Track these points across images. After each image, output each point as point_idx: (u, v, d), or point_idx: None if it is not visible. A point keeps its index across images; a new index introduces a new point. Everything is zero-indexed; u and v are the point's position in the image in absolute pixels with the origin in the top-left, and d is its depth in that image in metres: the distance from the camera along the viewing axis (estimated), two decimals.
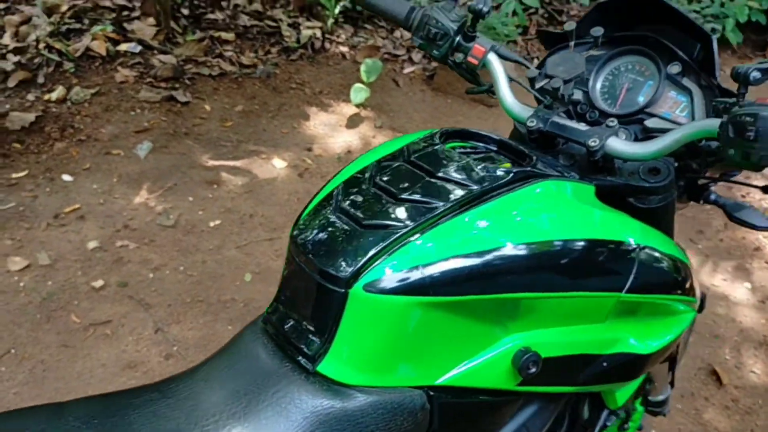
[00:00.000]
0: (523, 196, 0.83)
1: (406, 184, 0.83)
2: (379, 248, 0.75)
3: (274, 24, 4.25)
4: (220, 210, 2.83)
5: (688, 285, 1.01)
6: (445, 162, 0.86)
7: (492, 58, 1.06)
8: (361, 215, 0.79)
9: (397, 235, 0.75)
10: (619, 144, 0.91)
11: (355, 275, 0.74)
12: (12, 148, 2.90)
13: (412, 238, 0.75)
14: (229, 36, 4.06)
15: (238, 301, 2.38)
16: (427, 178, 0.83)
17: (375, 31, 4.61)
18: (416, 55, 4.44)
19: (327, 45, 4.26)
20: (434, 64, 4.28)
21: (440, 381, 0.80)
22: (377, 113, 3.80)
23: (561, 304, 0.84)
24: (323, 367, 0.77)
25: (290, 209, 2.90)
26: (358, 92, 3.70)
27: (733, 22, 4.79)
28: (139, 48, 3.72)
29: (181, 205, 2.81)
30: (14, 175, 2.78)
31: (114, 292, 2.33)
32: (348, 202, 0.83)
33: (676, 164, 0.98)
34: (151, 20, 3.92)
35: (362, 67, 3.76)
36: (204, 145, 3.24)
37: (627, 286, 0.86)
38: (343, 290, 0.74)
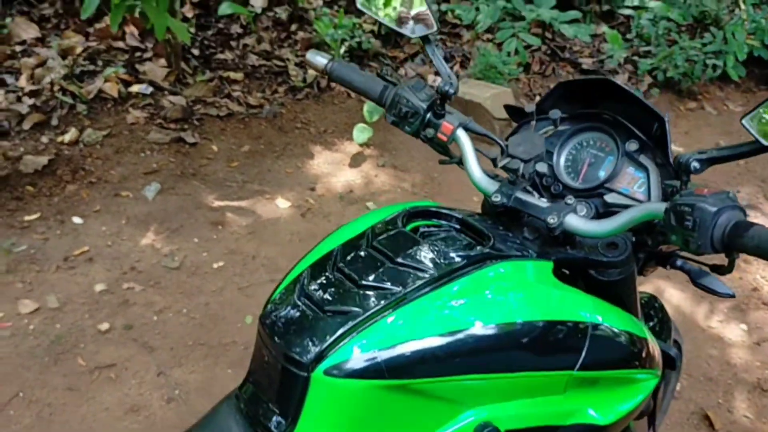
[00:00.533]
0: (479, 279, 0.89)
1: (367, 270, 0.89)
2: (339, 333, 0.81)
3: (281, 63, 4.37)
4: (224, 251, 2.91)
5: (644, 356, 1.05)
6: (405, 246, 0.92)
7: (460, 133, 1.12)
8: (324, 300, 0.86)
9: (357, 320, 0.82)
10: (576, 221, 0.96)
11: (317, 360, 0.80)
12: (25, 191, 3.01)
13: (370, 324, 0.82)
14: (238, 76, 4.18)
15: (239, 344, 2.45)
16: (388, 264, 0.89)
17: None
18: None
19: (332, 84, 4.37)
20: None
21: None
22: (380, 152, 3.88)
23: (518, 381, 0.90)
24: None
25: (292, 250, 2.98)
26: (361, 132, 3.80)
27: (734, 58, 4.86)
28: (150, 89, 3.84)
29: (186, 247, 2.89)
30: (26, 218, 2.89)
31: (119, 335, 2.41)
32: (312, 286, 0.89)
33: (633, 239, 1.03)
34: (163, 61, 4.05)
35: (365, 107, 3.86)
36: (210, 185, 3.34)
37: (579, 364, 0.91)
38: (305, 374, 0.80)
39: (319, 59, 1.22)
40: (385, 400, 0.83)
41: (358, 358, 0.79)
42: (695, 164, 0.95)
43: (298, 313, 0.86)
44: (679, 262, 1.14)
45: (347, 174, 3.66)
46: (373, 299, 0.84)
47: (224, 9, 4.31)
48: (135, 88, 3.82)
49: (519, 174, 1.06)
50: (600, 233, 0.94)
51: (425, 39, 1.16)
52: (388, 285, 0.86)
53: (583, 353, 0.91)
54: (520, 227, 1.06)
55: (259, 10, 4.58)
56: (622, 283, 1.04)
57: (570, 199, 1.08)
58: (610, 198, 1.09)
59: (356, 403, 0.82)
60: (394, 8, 1.18)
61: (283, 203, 3.31)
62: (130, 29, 4.29)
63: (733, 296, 1.16)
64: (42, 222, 2.89)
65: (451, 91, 1.10)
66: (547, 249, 1.01)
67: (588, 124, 1.15)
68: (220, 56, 4.30)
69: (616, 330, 0.99)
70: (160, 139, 3.54)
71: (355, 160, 3.78)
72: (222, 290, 2.70)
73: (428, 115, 1.13)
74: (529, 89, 4.83)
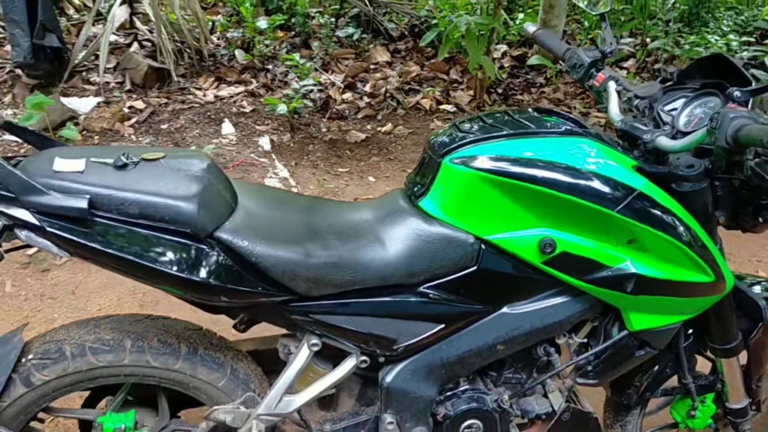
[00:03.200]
0: (569, 141, 1.34)
1: (501, 122, 1.40)
2: (465, 141, 1.34)
3: (566, 110, 4.97)
4: None
5: (696, 251, 1.32)
6: (529, 116, 1.42)
7: (610, 84, 1.56)
8: (466, 129, 1.39)
9: (478, 137, 1.35)
10: (662, 140, 1.32)
11: (447, 152, 1.34)
12: (344, 153, 4.12)
13: (486, 141, 1.33)
14: None
15: None
16: (513, 118, 1.39)
17: None
18: None
19: None
20: None
21: (489, 237, 1.32)
22: None
23: (576, 206, 1.27)
24: (421, 203, 1.38)
25: None
26: None
27: None
28: (454, 109, 4.79)
29: None
30: (339, 170, 3.96)
31: None
32: (465, 124, 1.44)
33: (709, 165, 1.33)
34: (471, 92, 4.99)
35: None
36: None
37: (619, 207, 1.27)
38: (439, 160, 1.37)
39: (530, 27, 1.82)
40: (482, 188, 1.30)
41: (471, 156, 1.31)
42: (736, 93, 1.31)
43: (450, 131, 1.44)
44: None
45: None
46: (492, 131, 1.37)
47: (533, 60, 5.11)
48: (443, 107, 4.80)
49: (641, 109, 1.47)
50: (675, 148, 1.29)
51: (602, 16, 1.67)
52: (505, 130, 1.36)
53: (625, 202, 1.26)
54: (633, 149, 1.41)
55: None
56: (692, 195, 1.34)
57: (666, 127, 1.41)
58: None
59: (467, 185, 1.30)
60: None
61: None
62: (455, 67, 5.35)
63: None
64: (348, 174, 3.93)
65: (609, 51, 1.59)
66: (644, 163, 1.35)
67: (704, 90, 1.44)
68: (519, 97, 5.08)
69: (661, 205, 1.29)
70: None
71: None
72: None
73: (591, 69, 1.61)
74: None
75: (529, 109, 1.48)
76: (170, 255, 1.18)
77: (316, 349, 1.36)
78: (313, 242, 1.28)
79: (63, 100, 4.22)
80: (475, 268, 1.32)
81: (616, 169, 1.31)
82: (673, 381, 1.70)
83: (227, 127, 4.24)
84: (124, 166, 1.21)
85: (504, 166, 1.29)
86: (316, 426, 1.44)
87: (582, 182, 1.28)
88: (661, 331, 1.44)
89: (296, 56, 4.56)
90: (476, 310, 1.37)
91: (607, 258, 1.33)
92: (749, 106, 1.28)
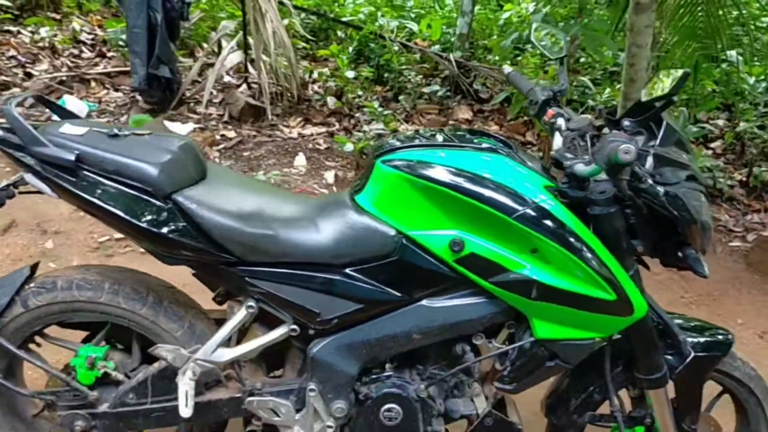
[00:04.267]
0: (485, 156, 1.51)
1: (430, 136, 1.61)
2: (395, 147, 1.56)
3: None
4: None
5: (585, 255, 1.43)
6: (462, 137, 1.60)
7: (558, 120, 1.67)
8: (401, 139, 1.62)
9: (408, 143, 1.57)
10: (577, 167, 1.43)
11: (380, 155, 1.55)
12: None
13: (414, 148, 1.53)
14: None
15: None
16: (443, 138, 1.59)
17: None
18: None
19: None
20: None
21: (410, 233, 1.49)
22: None
23: (485, 219, 1.43)
24: (357, 198, 1.57)
25: None
26: None
27: None
28: None
29: None
30: None
31: None
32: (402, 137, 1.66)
33: (617, 190, 1.45)
34: (540, 153, 5.11)
35: None
36: None
37: (515, 215, 1.42)
38: (374, 160, 1.57)
39: (506, 69, 2.01)
40: (405, 188, 1.48)
41: (399, 159, 1.51)
42: (626, 123, 1.49)
43: (389, 139, 1.65)
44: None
45: None
46: (422, 141, 1.58)
47: None
48: None
49: (573, 141, 1.62)
50: (583, 173, 1.41)
51: (560, 60, 1.82)
52: (433, 141, 1.58)
53: (522, 211, 1.42)
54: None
55: None
56: (602, 219, 1.46)
57: (586, 157, 1.50)
58: None
59: (392, 182, 1.51)
60: (545, 44, 1.88)
61: None
62: (533, 129, 5.51)
63: (706, 276, 1.52)
64: None
65: (559, 90, 1.74)
66: (567, 188, 1.48)
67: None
68: None
69: (558, 220, 1.42)
70: None
71: None
72: None
73: (545, 107, 1.74)
74: None
75: (464, 129, 1.67)
76: (134, 208, 1.47)
77: (252, 311, 1.58)
78: (255, 217, 1.53)
79: (166, 123, 4.81)
80: (395, 258, 1.50)
81: (519, 183, 1.47)
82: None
83: (300, 160, 4.63)
84: (116, 136, 1.53)
85: (422, 169, 1.49)
86: (250, 383, 1.65)
87: (485, 189, 1.45)
88: (569, 344, 1.53)
89: (375, 104, 4.92)
90: (396, 298, 1.54)
91: (510, 263, 1.47)
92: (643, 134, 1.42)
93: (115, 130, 1.54)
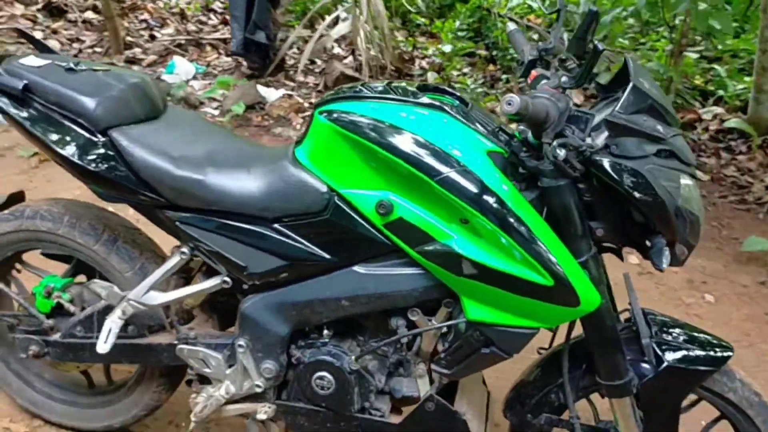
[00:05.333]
0: (424, 112, 1.35)
1: (375, 89, 1.43)
2: (336, 96, 1.43)
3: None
4: None
5: (515, 230, 1.26)
6: (407, 91, 1.43)
7: (542, 82, 1.41)
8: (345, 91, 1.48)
9: (347, 94, 1.43)
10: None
11: (320, 104, 1.44)
12: None
13: (352, 101, 1.39)
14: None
15: None
16: (386, 89, 1.43)
17: None
18: None
19: None
20: None
21: (341, 191, 1.37)
22: None
23: (413, 182, 1.29)
24: (296, 150, 1.46)
25: None
26: None
27: None
28: None
29: None
30: None
31: None
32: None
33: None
34: None
35: None
36: None
37: (437, 179, 1.27)
38: (313, 111, 1.45)
39: (510, 26, 1.78)
40: (338, 142, 1.36)
41: (334, 111, 1.39)
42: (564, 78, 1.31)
43: (334, 91, 1.50)
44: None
45: None
46: (362, 93, 1.43)
47: (730, 123, 4.64)
48: None
49: None
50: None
51: (558, 12, 1.56)
52: (372, 94, 1.41)
53: (446, 174, 1.27)
54: None
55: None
56: (550, 192, 1.27)
57: None
58: None
59: (326, 135, 1.40)
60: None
61: None
62: None
63: (661, 270, 1.29)
64: None
65: (543, 49, 1.46)
66: (524, 155, 1.29)
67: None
68: (704, 159, 4.60)
69: (488, 187, 1.25)
70: None
71: None
72: None
73: (530, 68, 1.49)
74: None
75: (411, 83, 1.51)
76: (68, 141, 1.48)
77: (185, 257, 1.55)
78: (188, 160, 1.48)
79: (259, 88, 4.94)
80: (325, 217, 1.40)
81: (451, 143, 1.31)
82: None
83: None
84: (71, 69, 1.54)
85: (351, 122, 1.36)
86: (184, 332, 1.62)
87: (409, 146, 1.31)
88: (505, 331, 1.35)
89: (469, 81, 4.73)
90: (325, 260, 1.43)
91: (437, 232, 1.31)
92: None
93: (72, 65, 1.56)
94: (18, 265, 1.86)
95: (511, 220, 1.26)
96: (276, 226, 1.45)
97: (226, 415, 1.64)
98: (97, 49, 5.94)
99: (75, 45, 6.03)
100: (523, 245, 1.26)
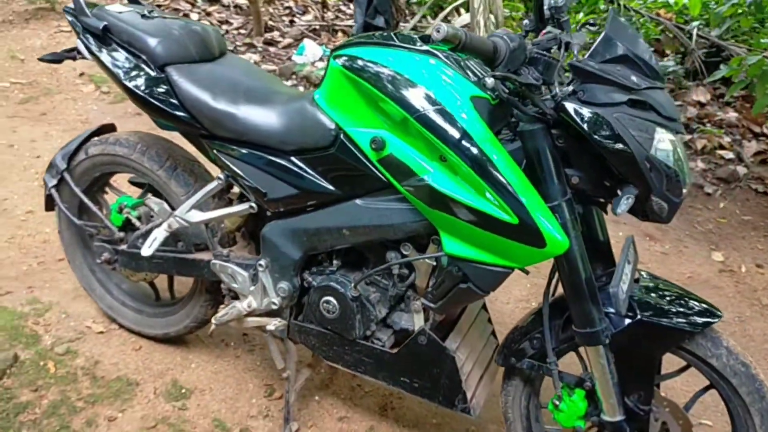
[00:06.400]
0: (419, 56, 1.45)
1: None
2: (349, 43, 1.56)
3: None
4: None
5: (484, 168, 1.33)
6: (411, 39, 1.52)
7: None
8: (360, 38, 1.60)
9: (354, 41, 1.56)
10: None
11: (336, 49, 1.57)
12: None
13: (359, 47, 1.51)
14: None
15: None
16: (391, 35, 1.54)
17: None
18: None
19: None
20: None
21: (345, 128, 1.49)
22: None
23: (398, 118, 1.40)
24: (315, 92, 1.59)
25: None
26: None
27: None
28: (731, 156, 4.25)
29: None
30: None
31: None
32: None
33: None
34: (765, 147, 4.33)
35: None
36: None
37: (415, 115, 1.37)
38: (330, 56, 1.59)
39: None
40: (343, 83, 1.49)
41: (342, 56, 1.51)
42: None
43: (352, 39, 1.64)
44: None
45: None
46: (370, 40, 1.54)
47: None
48: (721, 152, 4.30)
49: None
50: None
51: None
52: (379, 41, 1.52)
53: (423, 111, 1.36)
54: None
55: None
56: (524, 135, 1.35)
57: None
58: None
59: (335, 77, 1.51)
60: None
61: None
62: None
63: (616, 214, 1.32)
64: None
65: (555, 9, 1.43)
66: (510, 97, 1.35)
67: None
68: None
69: (462, 127, 1.33)
70: None
71: None
72: None
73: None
74: None
75: (423, 34, 1.59)
76: (135, 75, 1.76)
77: (220, 183, 1.77)
78: (226, 96, 1.70)
79: None
80: (332, 151, 1.56)
81: (436, 85, 1.40)
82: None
83: None
84: (145, 16, 1.82)
85: (353, 63, 1.50)
86: (220, 250, 1.85)
87: (395, 85, 1.43)
88: (479, 267, 1.43)
89: None
90: (330, 191, 1.59)
91: (418, 167, 1.42)
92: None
93: (146, 12, 1.83)
94: (107, 189, 2.19)
95: (482, 158, 1.34)
96: (293, 158, 1.62)
97: (246, 326, 1.85)
98: (242, 31, 6.49)
99: (224, 27, 6.63)
100: (490, 183, 1.33)
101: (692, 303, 1.46)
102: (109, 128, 2.11)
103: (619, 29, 1.33)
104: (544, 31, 1.51)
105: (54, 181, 2.07)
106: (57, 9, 5.61)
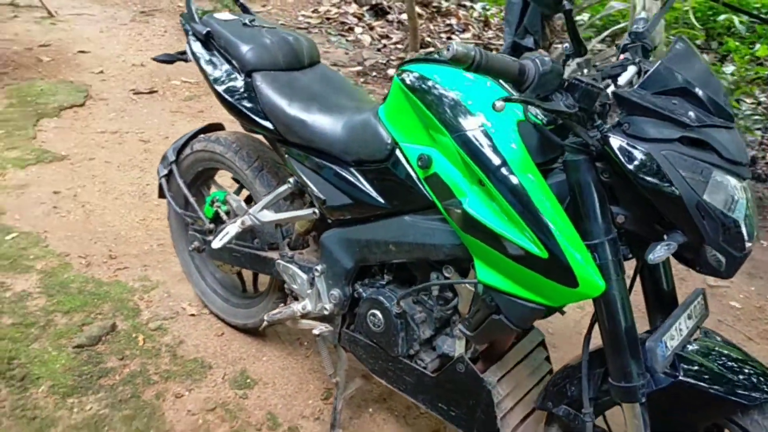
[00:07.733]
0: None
1: None
2: (415, 59, 1.55)
3: None
4: None
5: (514, 195, 1.27)
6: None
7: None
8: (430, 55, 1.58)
9: (427, 59, 1.54)
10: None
11: (402, 66, 1.55)
12: None
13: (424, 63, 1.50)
14: None
15: None
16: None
17: None
18: None
19: None
20: None
21: (401, 143, 1.50)
22: None
23: (450, 148, 1.36)
24: (380, 108, 1.61)
25: None
26: None
27: None
28: None
29: None
30: None
31: None
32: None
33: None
34: None
35: None
36: None
37: (456, 134, 1.34)
38: (396, 75, 1.58)
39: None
40: (402, 99, 1.49)
41: (405, 72, 1.50)
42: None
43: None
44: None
45: None
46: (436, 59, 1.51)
47: None
48: None
49: None
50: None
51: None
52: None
53: (462, 133, 1.33)
54: None
55: None
56: (567, 167, 1.26)
57: None
58: None
59: (396, 93, 1.51)
60: None
61: None
62: None
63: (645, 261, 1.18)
64: None
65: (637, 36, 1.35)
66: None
67: None
68: None
69: (499, 151, 1.28)
70: None
71: None
72: None
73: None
74: None
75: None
76: (225, 80, 1.90)
77: (289, 186, 1.84)
78: (302, 103, 1.76)
79: None
80: (386, 165, 1.57)
81: (484, 106, 1.36)
82: None
83: None
84: (245, 24, 1.96)
85: (409, 80, 1.49)
86: (287, 251, 1.92)
87: (442, 103, 1.40)
88: (511, 300, 1.35)
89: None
90: (383, 205, 1.60)
91: (457, 189, 1.39)
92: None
93: (247, 21, 1.96)
94: (212, 183, 2.36)
95: (515, 186, 1.27)
96: (352, 169, 1.65)
97: (299, 327, 1.90)
98: (399, 46, 6.68)
99: (384, 41, 6.87)
100: (521, 212, 1.26)
101: (754, 371, 1.26)
102: (217, 127, 2.28)
103: (684, 59, 1.20)
104: (622, 56, 1.41)
105: (165, 172, 2.28)
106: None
